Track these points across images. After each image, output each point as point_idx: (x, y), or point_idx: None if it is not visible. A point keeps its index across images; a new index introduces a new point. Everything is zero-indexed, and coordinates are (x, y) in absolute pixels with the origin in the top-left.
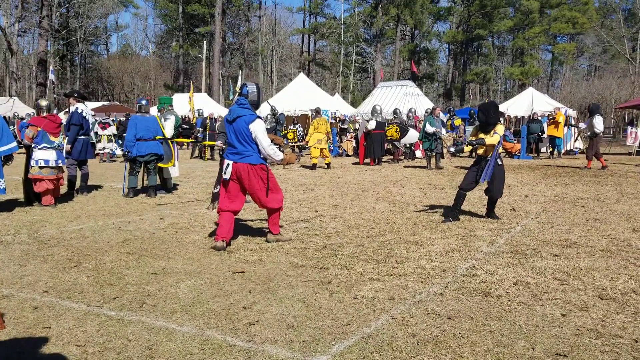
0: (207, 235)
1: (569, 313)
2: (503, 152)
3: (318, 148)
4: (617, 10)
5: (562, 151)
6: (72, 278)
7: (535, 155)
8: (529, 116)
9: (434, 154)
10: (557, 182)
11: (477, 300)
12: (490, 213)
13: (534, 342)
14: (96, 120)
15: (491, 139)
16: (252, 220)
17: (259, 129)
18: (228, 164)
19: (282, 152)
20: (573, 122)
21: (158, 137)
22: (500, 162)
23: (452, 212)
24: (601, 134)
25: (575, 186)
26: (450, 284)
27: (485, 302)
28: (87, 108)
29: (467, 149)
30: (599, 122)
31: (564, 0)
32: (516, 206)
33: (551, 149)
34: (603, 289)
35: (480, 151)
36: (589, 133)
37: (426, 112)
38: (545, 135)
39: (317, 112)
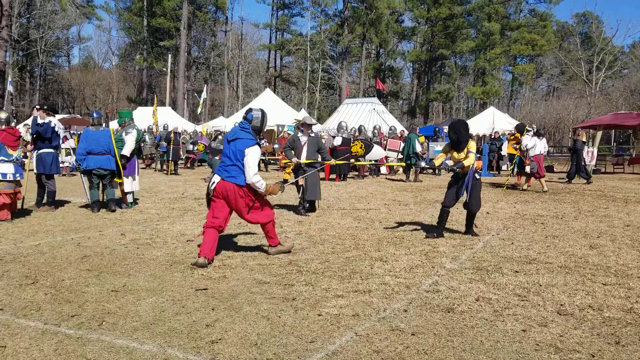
0: (169, 252)
1: (529, 328)
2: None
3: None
4: (574, 33)
5: None
6: (28, 295)
7: (496, 172)
8: (491, 135)
9: (417, 169)
10: (517, 200)
11: (440, 316)
12: (469, 229)
13: (495, 357)
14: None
15: (469, 160)
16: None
17: (251, 156)
18: (214, 182)
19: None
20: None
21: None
22: (477, 177)
23: (437, 229)
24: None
25: (534, 204)
26: (414, 300)
27: (448, 318)
28: (58, 122)
29: (437, 162)
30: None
31: (524, 23)
32: (478, 223)
33: (512, 167)
34: (561, 305)
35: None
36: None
37: (391, 130)
38: (505, 154)
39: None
